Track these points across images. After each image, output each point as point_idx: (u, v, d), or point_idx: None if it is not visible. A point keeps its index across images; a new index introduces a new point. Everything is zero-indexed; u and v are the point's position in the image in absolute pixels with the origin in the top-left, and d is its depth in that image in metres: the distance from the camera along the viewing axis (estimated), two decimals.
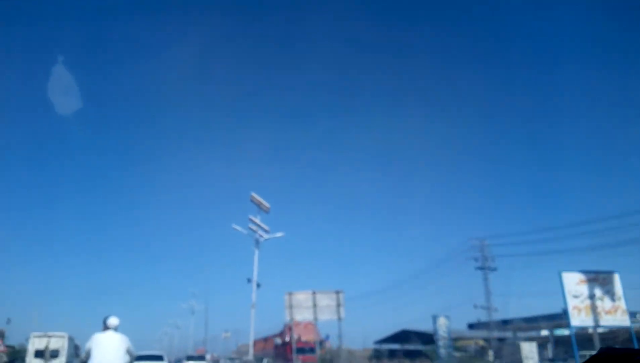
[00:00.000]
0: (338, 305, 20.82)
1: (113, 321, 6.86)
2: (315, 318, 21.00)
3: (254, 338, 37.10)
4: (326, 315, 20.76)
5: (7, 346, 51.14)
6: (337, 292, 20.94)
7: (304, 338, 25.79)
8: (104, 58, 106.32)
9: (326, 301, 20.84)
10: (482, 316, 53.18)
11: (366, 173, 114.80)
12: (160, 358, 24.48)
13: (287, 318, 20.98)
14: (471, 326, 59.46)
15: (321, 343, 24.57)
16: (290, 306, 21.02)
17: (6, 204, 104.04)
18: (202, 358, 40.27)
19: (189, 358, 40.60)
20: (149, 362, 23.60)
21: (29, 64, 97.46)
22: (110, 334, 6.75)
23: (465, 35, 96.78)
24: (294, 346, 21.74)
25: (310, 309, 20.87)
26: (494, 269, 50.76)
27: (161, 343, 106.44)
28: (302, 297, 21.05)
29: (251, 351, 31.74)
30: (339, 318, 20.74)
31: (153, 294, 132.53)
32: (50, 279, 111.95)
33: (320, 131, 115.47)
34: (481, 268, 51.00)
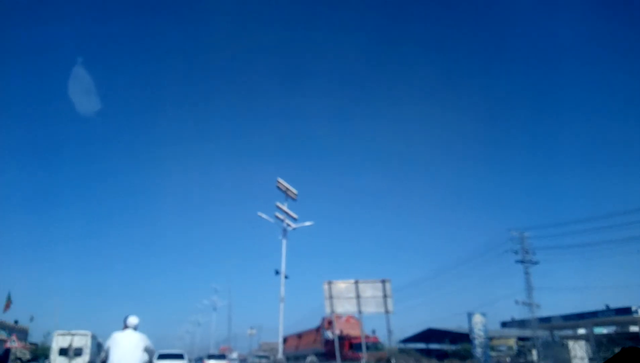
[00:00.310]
0: (385, 296, 17.55)
1: (132, 320, 6.75)
2: (360, 311, 17.67)
3: (284, 335, 34.06)
4: (372, 307, 17.49)
5: (30, 343, 49.55)
6: (383, 281, 17.67)
7: (345, 333, 22.57)
8: (126, 56, 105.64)
9: (371, 291, 17.59)
10: (517, 313, 49.36)
11: (396, 162, 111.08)
12: (180, 356, 24.09)
13: (327, 310, 17.64)
14: (504, 324, 55.41)
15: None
16: (330, 297, 17.80)
17: (31, 204, 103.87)
18: (223, 357, 38.85)
19: (210, 356, 38.24)
20: (170, 361, 23.52)
21: (49, 64, 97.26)
22: (129, 333, 6.64)
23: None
24: (335, 341, 18.32)
25: (352, 300, 17.64)
26: (536, 262, 47.09)
27: (183, 341, 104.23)
28: (343, 287, 17.84)
29: (281, 348, 28.53)
30: (387, 311, 17.44)
31: (175, 291, 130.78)
32: (71, 277, 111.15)
33: (351, 116, 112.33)
34: (522, 262, 47.22)
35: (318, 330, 25.67)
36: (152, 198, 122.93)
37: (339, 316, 22.70)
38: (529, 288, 46.78)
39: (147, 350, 6.77)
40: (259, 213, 30.62)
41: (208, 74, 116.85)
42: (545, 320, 48.67)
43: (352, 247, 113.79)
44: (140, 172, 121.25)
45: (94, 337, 30.13)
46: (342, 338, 20.98)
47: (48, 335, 48.23)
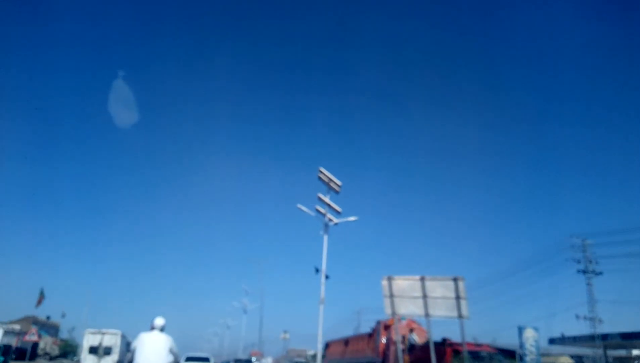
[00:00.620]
0: (457, 298, 13.96)
1: (158, 321, 6.72)
2: (427, 314, 14.14)
3: (326, 340, 30.45)
4: (441, 310, 13.90)
5: (61, 339, 48.10)
6: (456, 279, 14.10)
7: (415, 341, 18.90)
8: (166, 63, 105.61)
9: (440, 290, 14.05)
10: (568, 328, 44.17)
11: (448, 158, 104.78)
12: (206, 360, 23.86)
13: (387, 311, 14.14)
14: (552, 341, 50.22)
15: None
16: (391, 296, 14.32)
17: (70, 203, 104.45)
18: (249, 362, 37.49)
19: (237, 361, 37.21)
20: None
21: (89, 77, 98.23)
22: (155, 334, 6.62)
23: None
24: (398, 348, 14.65)
25: (418, 300, 14.12)
26: (600, 273, 41.98)
27: (211, 344, 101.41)
28: (405, 284, 14.35)
29: (319, 356, 25.02)
30: (460, 316, 13.87)
31: (205, 292, 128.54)
32: (104, 275, 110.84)
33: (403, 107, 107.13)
34: (584, 272, 42.22)
35: (371, 335, 21.79)
36: (184, 197, 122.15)
37: (394, 320, 19.18)
38: (591, 302, 41.70)
39: (172, 351, 6.64)
40: (299, 206, 27.46)
41: (248, 63, 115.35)
42: (595, 338, 43.40)
43: (393, 249, 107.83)
44: (170, 170, 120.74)
45: (123, 337, 29.05)
46: (440, 344, 17.09)
47: (73, 331, 47.63)
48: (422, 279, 14.42)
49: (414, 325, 19.03)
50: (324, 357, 29.64)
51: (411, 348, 16.07)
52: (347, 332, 53.11)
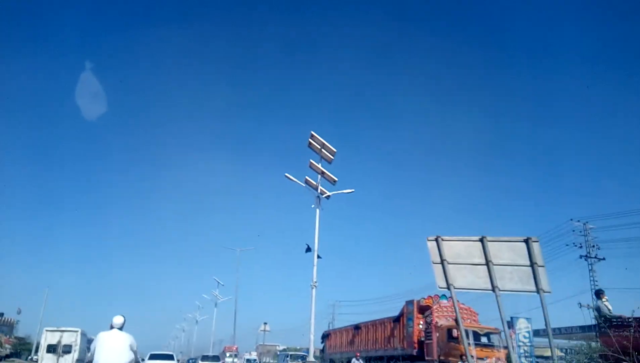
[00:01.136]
0: (533, 264, 9.60)
1: (117, 320, 6.45)
2: (495, 287, 9.64)
3: (325, 330, 25.52)
4: (513, 282, 9.28)
5: (16, 338, 42.37)
6: (527, 240, 9.68)
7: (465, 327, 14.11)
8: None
9: (508, 255, 9.50)
10: (576, 318, 40.70)
11: (449, 137, 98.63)
12: (170, 357, 23.59)
13: (440, 283, 9.49)
14: (537, 333, 47.20)
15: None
16: (442, 261, 9.78)
17: (28, 198, 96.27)
18: (217, 358, 36.13)
19: (204, 358, 35.00)
20: (160, 361, 23.36)
21: (59, 69, 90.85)
22: (114, 332, 6.37)
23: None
24: (434, 332, 9.84)
25: (480, 269, 9.51)
26: (602, 259, 38.86)
27: (178, 341, 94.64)
28: (460, 246, 9.72)
29: (312, 349, 20.13)
30: (540, 290, 9.44)
31: (171, 288, 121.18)
32: (65, 271, 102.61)
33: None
34: (586, 257, 39.01)
35: (399, 319, 16.76)
36: (148, 187, 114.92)
37: (432, 300, 14.54)
38: (594, 289, 38.29)
39: (132, 348, 6.34)
40: (286, 175, 22.84)
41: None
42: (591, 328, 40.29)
43: (370, 235, 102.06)
44: (136, 160, 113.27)
45: (83, 334, 27.12)
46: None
47: (17, 323, 42.78)
48: (482, 239, 10.01)
49: (461, 307, 14.38)
50: (323, 350, 24.79)
51: (426, 335, 11.14)
52: (322, 326, 48.35)
